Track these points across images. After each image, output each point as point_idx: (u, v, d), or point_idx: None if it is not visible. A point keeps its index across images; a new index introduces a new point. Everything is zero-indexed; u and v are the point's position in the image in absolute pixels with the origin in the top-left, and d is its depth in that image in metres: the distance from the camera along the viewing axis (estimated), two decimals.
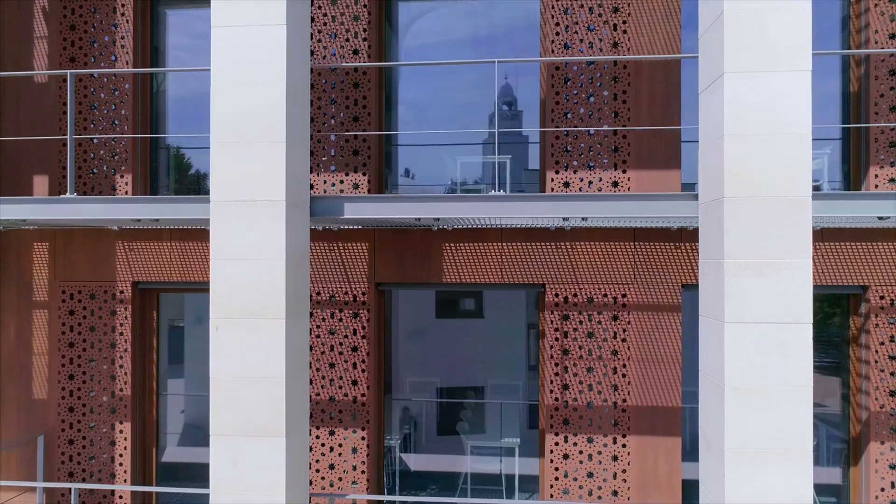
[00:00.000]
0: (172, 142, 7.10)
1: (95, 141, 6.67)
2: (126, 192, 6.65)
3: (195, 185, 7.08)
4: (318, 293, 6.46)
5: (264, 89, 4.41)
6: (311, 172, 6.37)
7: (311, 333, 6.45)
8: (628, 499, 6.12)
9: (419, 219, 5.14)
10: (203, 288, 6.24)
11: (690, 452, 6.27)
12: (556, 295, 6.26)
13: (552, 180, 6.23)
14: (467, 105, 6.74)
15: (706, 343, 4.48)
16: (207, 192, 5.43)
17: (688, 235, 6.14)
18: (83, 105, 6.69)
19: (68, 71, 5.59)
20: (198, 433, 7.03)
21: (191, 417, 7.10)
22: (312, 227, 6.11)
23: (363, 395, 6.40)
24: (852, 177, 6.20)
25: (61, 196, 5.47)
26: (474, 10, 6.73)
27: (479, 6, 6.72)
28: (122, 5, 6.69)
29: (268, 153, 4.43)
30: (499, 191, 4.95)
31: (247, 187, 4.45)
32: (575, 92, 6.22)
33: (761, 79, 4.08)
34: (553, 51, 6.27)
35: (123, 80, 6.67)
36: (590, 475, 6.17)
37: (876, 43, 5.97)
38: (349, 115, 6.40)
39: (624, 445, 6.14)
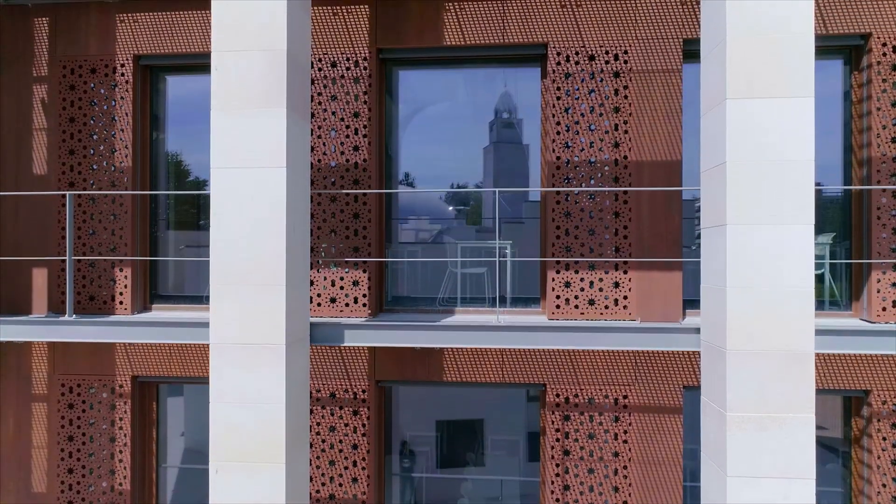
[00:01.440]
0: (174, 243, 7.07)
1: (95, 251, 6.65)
2: (125, 286, 6.61)
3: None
4: (318, 390, 6.44)
5: (265, 239, 4.39)
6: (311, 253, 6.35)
7: (311, 431, 6.43)
8: None
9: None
10: (203, 381, 6.25)
11: None
12: (558, 395, 6.25)
13: (553, 280, 6.21)
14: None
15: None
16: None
17: None
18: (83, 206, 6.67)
19: (68, 192, 5.56)
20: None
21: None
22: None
23: (363, 492, 6.39)
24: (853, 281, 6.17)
25: (60, 318, 5.45)
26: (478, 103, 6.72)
27: (482, 101, 6.71)
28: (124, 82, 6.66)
29: (269, 296, 4.41)
30: (499, 311, 4.92)
31: (247, 331, 4.43)
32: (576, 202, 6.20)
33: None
34: (553, 150, 6.24)
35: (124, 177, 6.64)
36: None
37: (878, 147, 5.95)
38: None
39: None
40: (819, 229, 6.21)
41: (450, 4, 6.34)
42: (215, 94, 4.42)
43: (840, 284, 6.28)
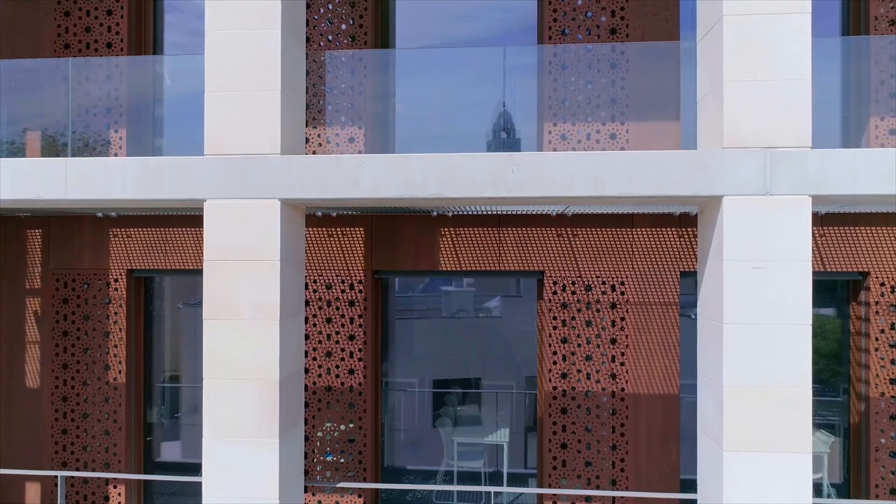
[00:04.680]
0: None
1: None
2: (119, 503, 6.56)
3: None
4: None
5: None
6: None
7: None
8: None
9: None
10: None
11: None
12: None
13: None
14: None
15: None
16: None
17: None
18: None
19: (59, 473, 5.47)
20: None
21: None
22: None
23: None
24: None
25: None
26: None
27: None
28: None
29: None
30: None
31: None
32: None
33: None
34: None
35: None
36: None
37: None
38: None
39: None
40: (817, 468, 6.17)
41: (445, 230, 6.30)
42: (207, 421, 4.37)
43: None
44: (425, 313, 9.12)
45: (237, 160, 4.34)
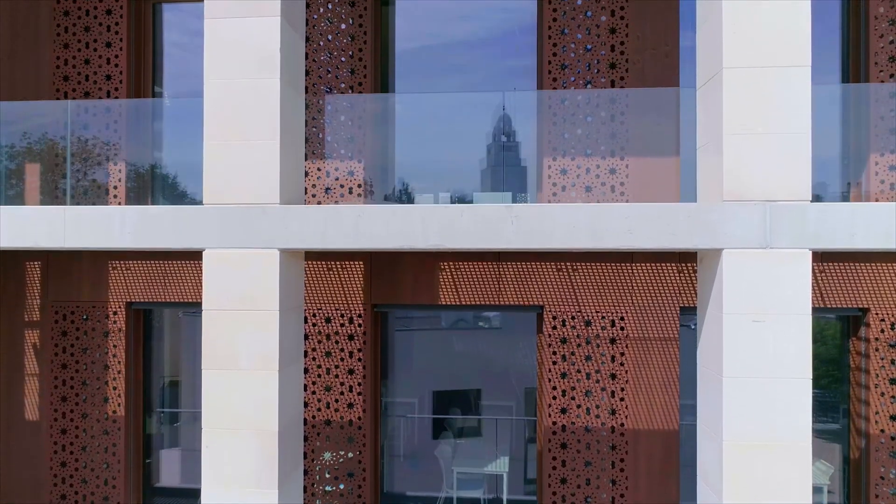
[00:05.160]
0: None
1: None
2: None
3: None
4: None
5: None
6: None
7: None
8: None
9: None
10: None
11: None
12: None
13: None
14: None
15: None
16: None
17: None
18: None
19: None
20: None
21: None
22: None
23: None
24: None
25: None
26: None
27: None
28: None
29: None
30: None
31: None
32: None
33: None
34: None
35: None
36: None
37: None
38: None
39: None
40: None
41: (445, 264, 6.30)
42: (206, 470, 4.36)
43: None
44: (424, 322, 9.03)
45: (236, 210, 4.34)
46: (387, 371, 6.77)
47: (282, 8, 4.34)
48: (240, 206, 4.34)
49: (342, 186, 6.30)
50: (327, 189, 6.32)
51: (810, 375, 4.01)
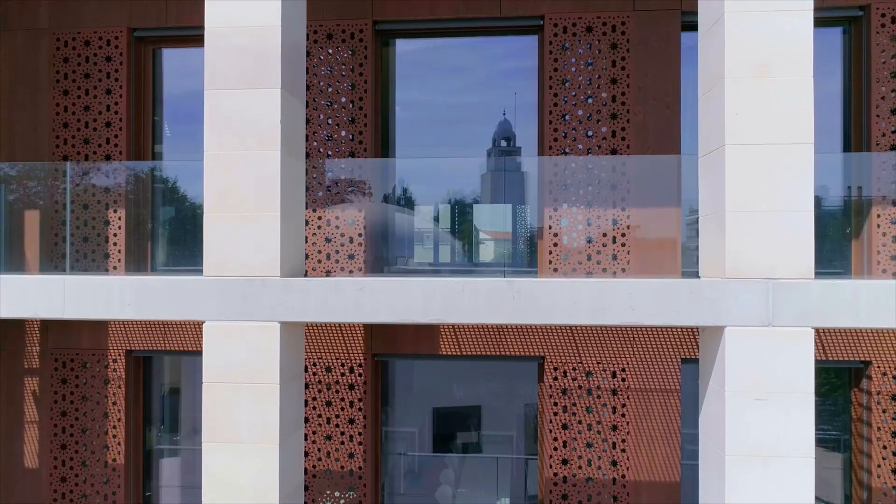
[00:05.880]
0: None
1: None
2: None
3: None
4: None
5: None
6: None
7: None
8: None
9: None
10: None
11: None
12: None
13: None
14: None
15: None
16: None
17: None
18: None
19: None
20: None
21: None
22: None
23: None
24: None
25: None
26: None
27: None
28: None
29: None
30: None
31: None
32: None
33: None
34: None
35: None
36: None
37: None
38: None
39: None
40: None
41: (445, 329, 6.28)
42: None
43: None
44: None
45: (237, 282, 4.32)
46: (386, 398, 6.74)
47: (282, 79, 4.32)
48: (240, 278, 4.32)
49: (342, 235, 6.28)
50: (327, 239, 6.31)
51: (813, 454, 3.99)
